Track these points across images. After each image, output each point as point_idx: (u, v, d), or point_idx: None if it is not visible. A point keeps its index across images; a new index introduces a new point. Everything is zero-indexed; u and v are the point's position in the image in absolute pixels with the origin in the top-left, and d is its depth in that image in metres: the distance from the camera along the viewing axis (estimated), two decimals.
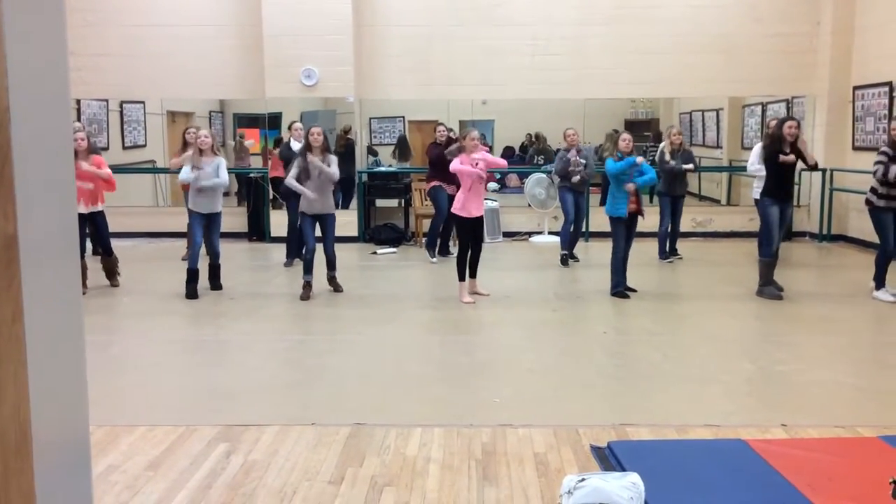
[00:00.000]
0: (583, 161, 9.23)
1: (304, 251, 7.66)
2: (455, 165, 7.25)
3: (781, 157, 7.20)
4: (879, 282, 7.29)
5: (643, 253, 9.22)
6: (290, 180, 7.50)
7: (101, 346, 5.85)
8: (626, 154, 7.41)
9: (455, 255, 9.51)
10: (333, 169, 7.48)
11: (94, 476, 3.51)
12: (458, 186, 7.56)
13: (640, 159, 7.41)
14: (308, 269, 7.49)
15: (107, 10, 11.29)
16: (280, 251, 9.76)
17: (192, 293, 7.52)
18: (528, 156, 12.75)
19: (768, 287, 7.43)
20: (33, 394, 0.91)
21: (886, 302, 7.13)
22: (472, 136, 7.36)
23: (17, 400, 0.89)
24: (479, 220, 7.45)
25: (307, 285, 7.45)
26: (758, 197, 7.93)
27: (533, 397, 4.72)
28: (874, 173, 7.15)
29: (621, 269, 7.50)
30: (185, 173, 7.60)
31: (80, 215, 7.70)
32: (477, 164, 7.22)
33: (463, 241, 7.44)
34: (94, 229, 7.97)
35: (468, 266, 7.44)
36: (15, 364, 0.89)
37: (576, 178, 9.18)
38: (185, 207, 8.19)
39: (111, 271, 8.05)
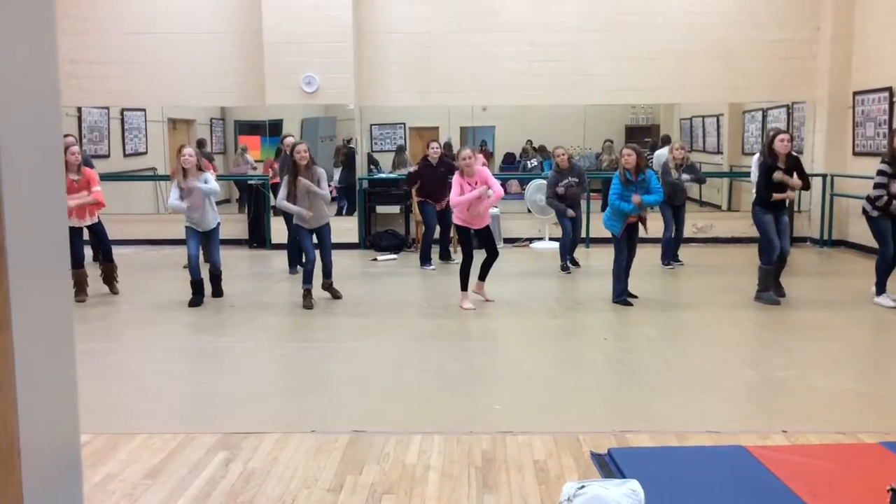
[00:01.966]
0: (574, 180, 9.19)
1: (304, 261, 7.65)
2: (454, 198, 7.14)
3: (776, 176, 7.24)
4: (880, 287, 7.28)
5: (645, 259, 9.20)
6: (281, 202, 7.43)
7: (101, 353, 5.85)
8: (631, 171, 7.31)
9: (455, 260, 9.54)
10: (323, 188, 7.43)
11: (93, 485, 3.51)
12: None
13: (637, 201, 7.25)
14: (308, 279, 7.48)
15: (107, 18, 11.31)
16: (280, 258, 9.77)
17: (195, 302, 7.52)
18: (524, 161, 12.74)
19: (766, 293, 7.42)
20: (21, 405, 0.90)
21: (887, 307, 7.12)
22: (463, 154, 7.16)
23: (4, 412, 0.88)
24: (485, 228, 7.41)
25: (308, 293, 7.44)
26: None
27: (533, 404, 4.70)
28: (871, 194, 7.13)
29: (623, 277, 7.47)
30: (174, 200, 7.41)
31: (78, 227, 7.68)
32: (475, 183, 7.11)
33: (466, 250, 7.38)
34: (94, 237, 8.01)
35: (480, 267, 7.41)
36: (2, 375, 0.88)
37: (570, 214, 9.14)
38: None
39: (110, 277, 8.05)
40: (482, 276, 7.48)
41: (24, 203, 0.94)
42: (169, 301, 7.71)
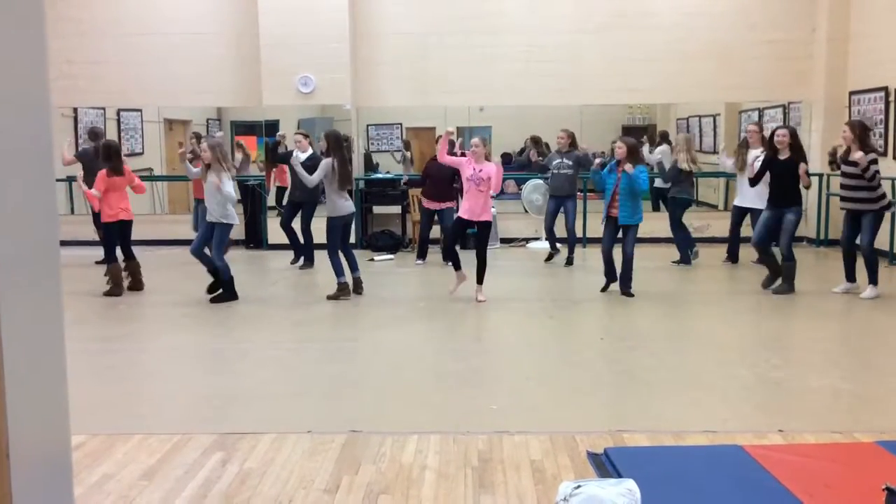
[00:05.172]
0: (569, 162, 9.35)
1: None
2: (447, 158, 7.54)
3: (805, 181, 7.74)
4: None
5: (642, 258, 9.19)
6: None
7: (97, 353, 5.84)
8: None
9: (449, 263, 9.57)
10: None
11: (89, 485, 3.50)
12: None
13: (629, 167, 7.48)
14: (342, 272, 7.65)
15: (103, 19, 11.31)
16: (276, 258, 9.78)
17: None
18: (525, 156, 12.72)
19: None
20: (10, 406, 0.90)
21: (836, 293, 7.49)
22: (473, 142, 7.45)
23: None
24: (484, 229, 7.48)
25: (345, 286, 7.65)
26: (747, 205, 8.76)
27: (529, 404, 4.70)
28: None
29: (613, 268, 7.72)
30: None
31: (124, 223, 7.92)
32: (481, 170, 7.29)
33: (451, 230, 7.68)
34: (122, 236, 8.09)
35: (476, 273, 7.48)
36: None
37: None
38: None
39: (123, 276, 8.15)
40: (479, 280, 7.50)
41: (13, 204, 0.93)
42: (165, 301, 7.70)
